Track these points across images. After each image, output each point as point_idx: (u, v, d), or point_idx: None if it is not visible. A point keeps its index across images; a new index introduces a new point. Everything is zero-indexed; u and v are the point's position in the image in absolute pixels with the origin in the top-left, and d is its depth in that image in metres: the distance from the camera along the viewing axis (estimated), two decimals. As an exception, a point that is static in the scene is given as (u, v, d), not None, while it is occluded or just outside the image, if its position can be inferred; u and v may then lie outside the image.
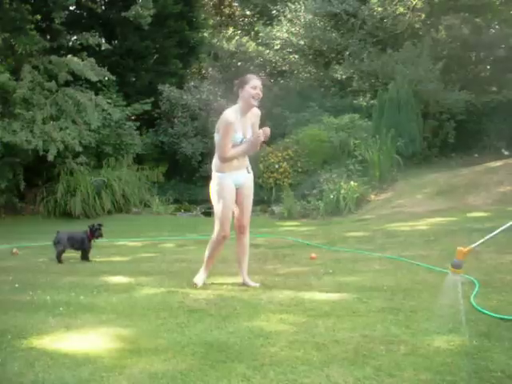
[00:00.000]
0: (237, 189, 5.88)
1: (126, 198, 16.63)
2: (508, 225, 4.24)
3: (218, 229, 5.86)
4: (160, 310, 5.00)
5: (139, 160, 19.18)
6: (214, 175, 5.91)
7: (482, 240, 4.20)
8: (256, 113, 5.85)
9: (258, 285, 5.96)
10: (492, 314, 4.46)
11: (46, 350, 3.98)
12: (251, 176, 6.02)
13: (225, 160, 5.72)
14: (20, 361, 3.78)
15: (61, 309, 5.12)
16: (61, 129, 15.48)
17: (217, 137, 5.72)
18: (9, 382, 3.47)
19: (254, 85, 5.63)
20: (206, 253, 6.07)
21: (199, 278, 6.04)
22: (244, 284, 5.99)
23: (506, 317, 4.37)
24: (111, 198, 16.39)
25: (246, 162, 5.95)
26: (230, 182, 5.82)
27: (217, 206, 5.89)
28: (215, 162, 5.87)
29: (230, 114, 5.64)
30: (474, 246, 4.10)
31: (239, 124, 5.67)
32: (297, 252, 8.25)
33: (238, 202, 5.95)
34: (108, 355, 3.86)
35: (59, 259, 7.96)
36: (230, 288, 5.87)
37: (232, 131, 5.59)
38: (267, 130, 5.72)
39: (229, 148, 5.62)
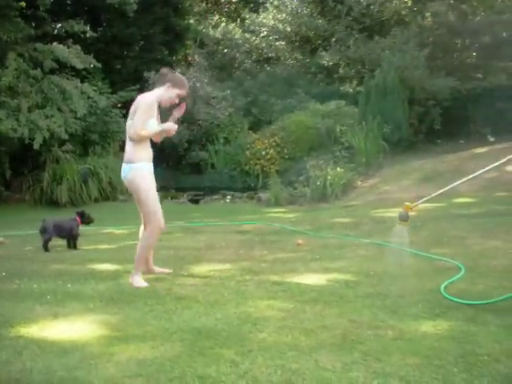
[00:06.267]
0: None
1: (112, 186, 16.58)
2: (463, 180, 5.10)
3: (155, 224, 5.62)
4: (147, 297, 4.99)
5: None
6: (133, 167, 5.60)
7: (427, 197, 4.98)
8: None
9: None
10: (458, 299, 4.49)
11: (33, 339, 3.96)
12: None
13: (138, 137, 5.50)
14: (7, 349, 3.76)
15: (48, 297, 5.10)
16: (46, 117, 15.41)
17: (129, 122, 5.62)
18: (-4, 371, 3.46)
19: (182, 93, 5.73)
20: (142, 251, 5.68)
21: (139, 281, 5.56)
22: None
23: (473, 302, 4.42)
24: (98, 185, 16.36)
25: None
26: (150, 172, 5.70)
27: (146, 201, 5.62)
28: (132, 151, 5.62)
29: (153, 97, 5.65)
30: (419, 202, 4.88)
31: (156, 112, 5.65)
32: (283, 238, 8.25)
33: None
34: (96, 343, 3.85)
35: (46, 247, 7.93)
36: (218, 274, 5.87)
37: (152, 112, 5.54)
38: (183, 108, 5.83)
39: (144, 125, 5.47)
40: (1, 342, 3.92)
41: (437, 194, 5.00)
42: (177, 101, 5.76)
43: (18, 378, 3.32)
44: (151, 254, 6.00)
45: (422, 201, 4.97)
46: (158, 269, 6.06)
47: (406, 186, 13.55)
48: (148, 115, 5.50)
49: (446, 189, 4.98)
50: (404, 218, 4.77)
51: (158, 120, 5.70)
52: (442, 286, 4.85)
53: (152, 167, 5.75)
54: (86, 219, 8.32)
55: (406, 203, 4.81)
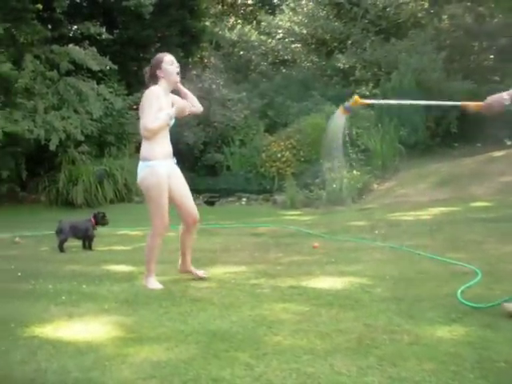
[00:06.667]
0: (170, 178, 5.57)
1: (128, 188, 16.59)
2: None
3: (156, 225, 5.56)
4: (162, 298, 4.99)
5: (141, 149, 19.16)
6: (146, 164, 5.46)
7: (376, 101, 5.36)
8: (177, 100, 5.70)
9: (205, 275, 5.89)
10: (473, 304, 4.43)
11: (48, 339, 3.97)
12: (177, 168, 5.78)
13: (149, 132, 5.35)
14: (22, 349, 3.78)
15: (63, 297, 5.12)
16: (63, 118, 15.47)
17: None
18: (11, 371, 3.47)
19: (169, 60, 5.50)
20: (149, 252, 5.61)
21: (153, 282, 5.54)
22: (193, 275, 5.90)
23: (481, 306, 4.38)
24: (113, 187, 16.36)
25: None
26: (164, 171, 5.49)
27: (150, 200, 5.51)
28: (146, 149, 5.50)
29: (157, 89, 5.43)
30: (370, 101, 5.70)
31: (165, 102, 5.47)
32: (299, 241, 8.23)
33: (179, 192, 5.69)
34: (110, 344, 3.86)
35: (61, 248, 7.97)
36: (233, 277, 5.87)
37: (158, 103, 5.35)
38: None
39: (153, 119, 5.32)
40: (16, 342, 3.93)
41: (385, 101, 5.55)
42: (177, 65, 5.54)
43: (33, 378, 3.34)
44: (189, 254, 5.92)
45: (372, 101, 5.76)
46: (194, 270, 5.93)
47: (423, 189, 13.49)
48: (155, 107, 5.33)
49: (394, 101, 5.55)
50: (347, 109, 4.88)
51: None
52: (459, 291, 4.80)
53: (171, 163, 5.64)
54: (101, 220, 8.35)
55: (356, 96, 4.97)
